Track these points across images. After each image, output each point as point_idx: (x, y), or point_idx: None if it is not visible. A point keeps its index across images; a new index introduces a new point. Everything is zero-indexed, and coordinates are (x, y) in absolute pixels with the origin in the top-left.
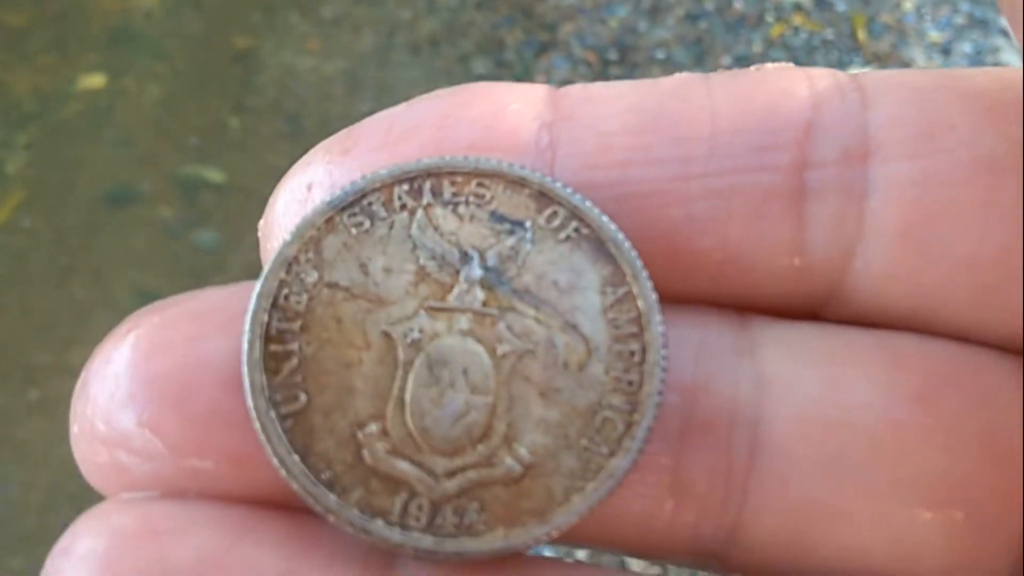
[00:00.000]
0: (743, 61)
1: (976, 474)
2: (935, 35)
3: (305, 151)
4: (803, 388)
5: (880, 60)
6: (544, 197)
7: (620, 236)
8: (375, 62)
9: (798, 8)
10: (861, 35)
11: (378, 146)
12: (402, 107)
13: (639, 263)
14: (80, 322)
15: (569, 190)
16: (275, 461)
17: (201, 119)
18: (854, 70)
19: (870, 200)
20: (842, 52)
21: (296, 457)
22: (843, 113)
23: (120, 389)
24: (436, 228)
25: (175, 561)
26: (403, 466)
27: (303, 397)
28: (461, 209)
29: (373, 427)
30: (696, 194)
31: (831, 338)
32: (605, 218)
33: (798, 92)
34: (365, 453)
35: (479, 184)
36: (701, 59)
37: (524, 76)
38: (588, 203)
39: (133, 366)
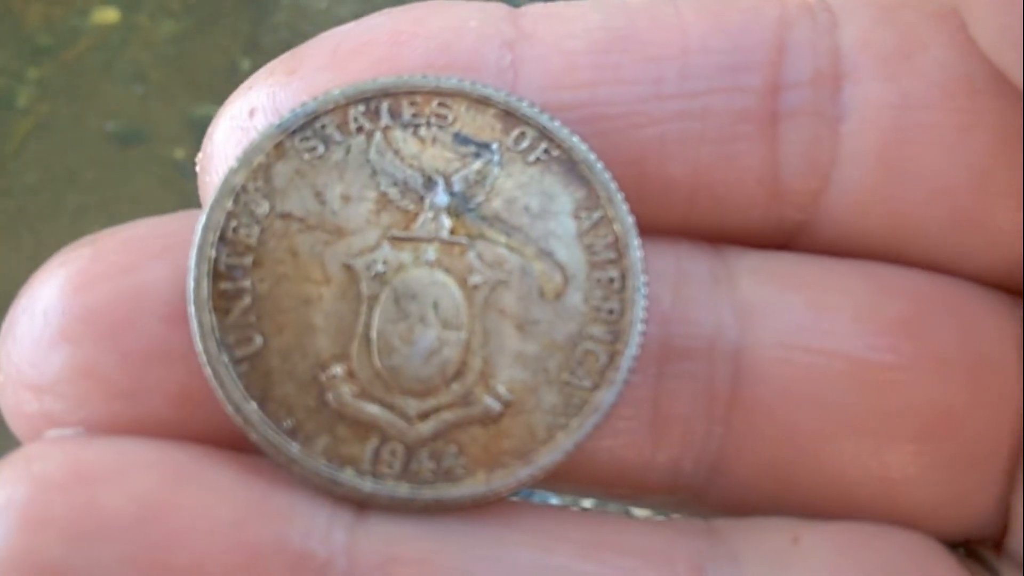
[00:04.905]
0: None
1: (964, 405)
2: None
3: None
4: (785, 315)
5: None
6: (510, 117)
7: (592, 157)
8: (389, 4)
9: None
10: None
11: (326, 65)
12: (352, 24)
13: (613, 185)
14: None
15: (536, 109)
16: (230, 408)
17: (213, 58)
18: None
19: (845, 123)
20: None
21: (254, 404)
22: (814, 33)
23: (49, 328)
24: (396, 152)
25: (108, 510)
26: (372, 409)
27: (258, 339)
28: (422, 131)
29: (337, 368)
30: (668, 116)
31: (809, 265)
32: (576, 138)
33: (768, 11)
34: (329, 396)
35: (440, 104)
36: None
37: None
38: (557, 123)
39: (63, 302)
